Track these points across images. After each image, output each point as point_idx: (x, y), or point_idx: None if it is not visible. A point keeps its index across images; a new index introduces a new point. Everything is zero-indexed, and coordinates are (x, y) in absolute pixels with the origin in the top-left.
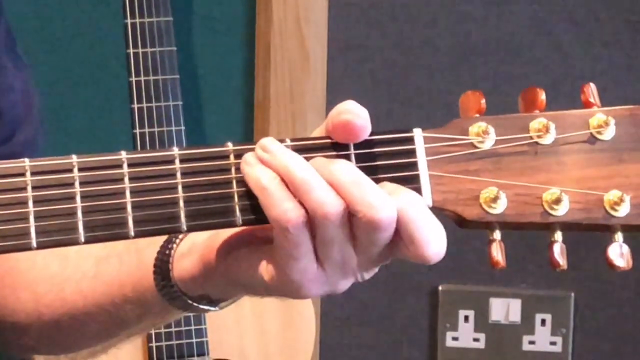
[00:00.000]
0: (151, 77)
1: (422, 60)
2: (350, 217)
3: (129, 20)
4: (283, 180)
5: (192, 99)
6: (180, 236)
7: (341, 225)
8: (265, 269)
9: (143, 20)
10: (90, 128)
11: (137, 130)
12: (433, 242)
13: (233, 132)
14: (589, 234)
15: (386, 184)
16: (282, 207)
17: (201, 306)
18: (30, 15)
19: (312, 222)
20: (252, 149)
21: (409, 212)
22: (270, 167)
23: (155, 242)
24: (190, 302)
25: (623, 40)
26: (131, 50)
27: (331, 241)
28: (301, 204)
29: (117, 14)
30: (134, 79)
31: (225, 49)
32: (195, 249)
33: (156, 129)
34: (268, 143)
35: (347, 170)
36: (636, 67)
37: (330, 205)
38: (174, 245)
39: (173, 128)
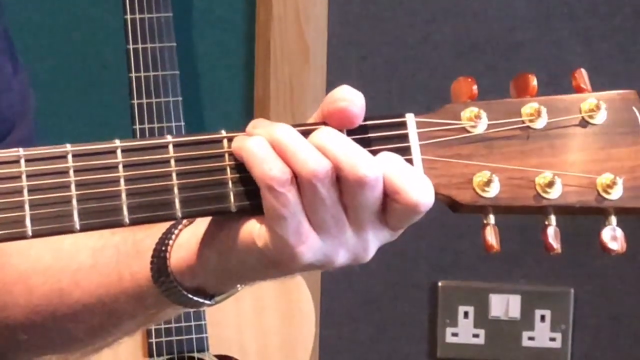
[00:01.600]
0: (151, 73)
1: (422, 56)
2: (338, 181)
3: (129, 16)
4: (270, 146)
5: (191, 94)
6: (180, 227)
7: (329, 186)
8: (259, 234)
9: (143, 16)
10: (90, 124)
11: (137, 126)
12: (417, 187)
13: (233, 127)
14: (586, 229)
15: None
16: (267, 165)
17: (196, 298)
18: (30, 11)
19: (301, 185)
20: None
21: (392, 167)
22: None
23: (154, 234)
24: (185, 293)
25: (621, 35)
26: (131, 46)
27: (321, 203)
28: (289, 167)
29: (117, 10)
30: (134, 74)
31: (225, 45)
32: (194, 239)
33: (156, 125)
34: (258, 120)
35: (332, 134)
36: (634, 61)
37: (316, 163)
38: (173, 236)
39: (173, 124)
